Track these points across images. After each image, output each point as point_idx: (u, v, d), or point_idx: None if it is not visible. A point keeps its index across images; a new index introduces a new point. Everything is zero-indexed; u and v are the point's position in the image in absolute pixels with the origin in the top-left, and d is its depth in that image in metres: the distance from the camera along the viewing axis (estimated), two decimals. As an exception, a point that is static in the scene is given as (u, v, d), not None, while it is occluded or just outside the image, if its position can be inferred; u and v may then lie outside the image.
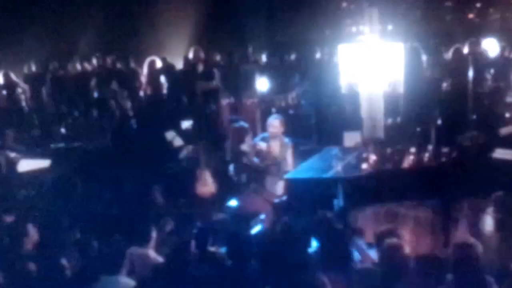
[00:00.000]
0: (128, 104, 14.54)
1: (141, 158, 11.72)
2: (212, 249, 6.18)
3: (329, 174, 7.39)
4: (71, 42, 17.16)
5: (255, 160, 8.53)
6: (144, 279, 5.53)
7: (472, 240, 5.66)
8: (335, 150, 8.62)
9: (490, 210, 8.94)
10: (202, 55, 14.43)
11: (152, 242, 6.34)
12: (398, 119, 9.89)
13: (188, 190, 9.74)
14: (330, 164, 7.75)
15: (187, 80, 13.67)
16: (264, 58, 14.62)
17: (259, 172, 8.40)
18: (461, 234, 6.87)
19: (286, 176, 7.99)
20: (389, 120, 8.92)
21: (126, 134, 13.11)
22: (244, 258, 5.29)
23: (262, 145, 8.62)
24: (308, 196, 7.24)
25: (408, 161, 8.10)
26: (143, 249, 6.25)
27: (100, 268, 5.32)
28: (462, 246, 5.51)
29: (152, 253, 6.25)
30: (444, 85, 11.89)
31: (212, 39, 16.33)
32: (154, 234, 6.36)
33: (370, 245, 6.65)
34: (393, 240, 5.50)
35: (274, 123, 8.91)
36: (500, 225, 8.68)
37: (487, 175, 9.12)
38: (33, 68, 15.62)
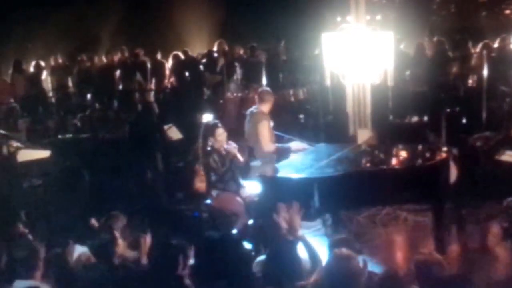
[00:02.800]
0: (152, 96, 14.36)
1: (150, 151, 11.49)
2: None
3: (304, 173, 6.77)
4: (97, 36, 17.18)
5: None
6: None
7: (436, 257, 4.96)
8: (326, 147, 8.08)
9: (499, 217, 8.20)
10: (225, 48, 14.15)
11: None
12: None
13: (186, 185, 9.40)
14: (310, 162, 7.15)
15: (202, 73, 13.37)
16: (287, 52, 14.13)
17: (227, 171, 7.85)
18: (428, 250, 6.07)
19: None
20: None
21: (143, 127, 12.83)
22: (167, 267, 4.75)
23: (232, 147, 8.03)
24: (280, 196, 6.63)
25: (406, 160, 7.42)
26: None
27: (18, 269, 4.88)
28: (420, 264, 4.85)
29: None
30: (470, 81, 11.20)
31: (237, 34, 15.95)
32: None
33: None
34: (341, 251, 4.79)
35: None
36: (506, 234, 7.93)
37: (496, 178, 8.41)
38: (60, 60, 15.60)
